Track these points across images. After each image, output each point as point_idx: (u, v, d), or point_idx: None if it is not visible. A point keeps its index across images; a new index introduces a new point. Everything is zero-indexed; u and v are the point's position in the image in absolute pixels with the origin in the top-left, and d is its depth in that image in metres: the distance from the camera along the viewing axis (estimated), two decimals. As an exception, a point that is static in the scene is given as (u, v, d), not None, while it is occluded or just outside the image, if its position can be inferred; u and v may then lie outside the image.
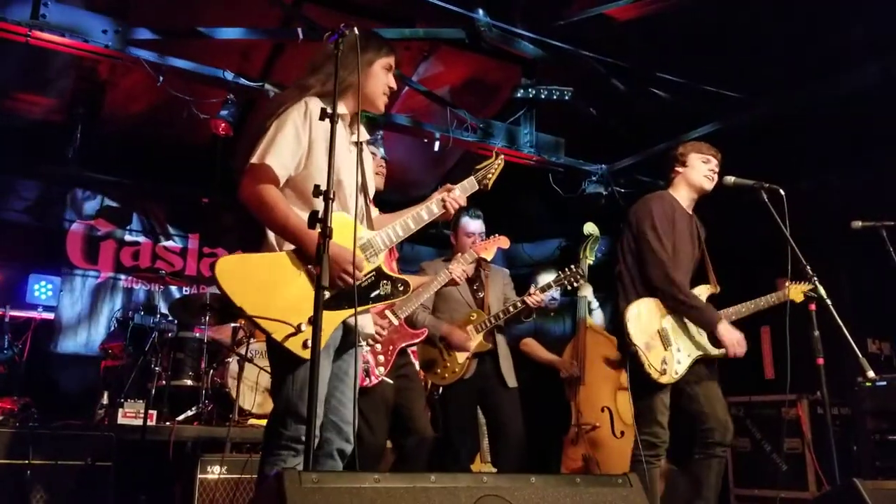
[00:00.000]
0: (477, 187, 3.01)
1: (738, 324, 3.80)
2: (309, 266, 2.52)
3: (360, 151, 2.85)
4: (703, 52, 5.70)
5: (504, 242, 4.55)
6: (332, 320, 2.53)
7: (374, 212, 2.96)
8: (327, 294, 2.40)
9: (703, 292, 3.86)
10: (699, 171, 3.89)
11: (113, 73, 6.41)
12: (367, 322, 2.85)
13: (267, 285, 2.51)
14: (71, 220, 7.63)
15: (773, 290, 3.92)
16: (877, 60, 5.23)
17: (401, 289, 2.73)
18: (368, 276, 2.68)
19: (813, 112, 5.68)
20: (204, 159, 7.57)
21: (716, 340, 3.78)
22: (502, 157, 3.10)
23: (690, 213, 3.98)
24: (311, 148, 2.65)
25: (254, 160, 2.59)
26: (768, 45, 5.45)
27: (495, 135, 6.47)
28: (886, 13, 4.89)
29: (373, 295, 2.69)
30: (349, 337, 2.74)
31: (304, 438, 2.48)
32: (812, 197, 5.63)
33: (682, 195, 3.95)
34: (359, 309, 2.59)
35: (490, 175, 3.03)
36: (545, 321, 5.95)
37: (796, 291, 3.78)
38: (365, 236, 2.71)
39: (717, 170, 3.91)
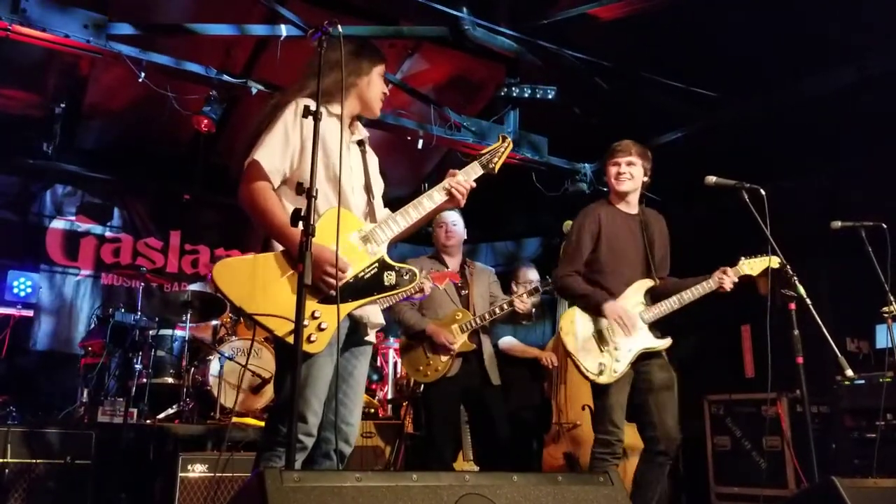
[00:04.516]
0: (481, 171, 2.91)
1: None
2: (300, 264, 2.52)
3: (363, 150, 2.88)
4: (685, 51, 5.73)
5: (455, 277, 4.72)
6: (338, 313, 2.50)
7: (381, 208, 2.91)
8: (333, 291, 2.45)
9: (641, 286, 3.92)
10: (611, 176, 4.04)
11: (94, 68, 6.35)
12: (374, 312, 2.84)
13: (264, 284, 2.52)
14: (51, 216, 7.58)
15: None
16: (853, 61, 5.30)
17: (406, 277, 2.70)
18: (371, 267, 2.66)
19: (793, 111, 5.73)
20: (186, 156, 7.55)
21: (658, 333, 3.85)
22: (509, 140, 3.02)
23: (634, 212, 4.06)
24: (304, 146, 2.66)
25: (246, 161, 2.63)
26: (750, 46, 5.49)
27: (479, 133, 6.47)
28: (863, 15, 4.96)
29: (381, 285, 2.67)
30: (358, 332, 2.76)
31: (300, 436, 2.49)
32: (792, 196, 5.67)
33: (615, 199, 4.09)
34: (365, 300, 2.63)
35: (497, 159, 2.95)
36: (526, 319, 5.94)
37: (752, 266, 3.84)
38: (364, 229, 2.70)
39: (625, 169, 3.97)
